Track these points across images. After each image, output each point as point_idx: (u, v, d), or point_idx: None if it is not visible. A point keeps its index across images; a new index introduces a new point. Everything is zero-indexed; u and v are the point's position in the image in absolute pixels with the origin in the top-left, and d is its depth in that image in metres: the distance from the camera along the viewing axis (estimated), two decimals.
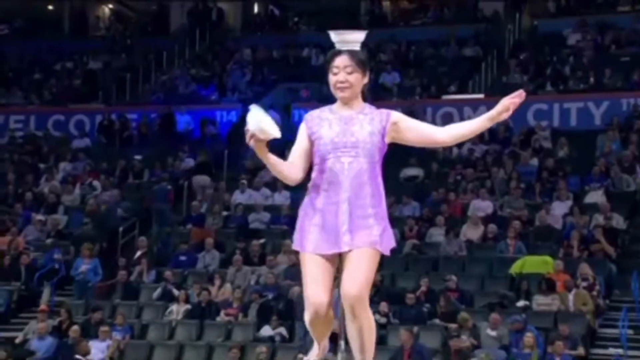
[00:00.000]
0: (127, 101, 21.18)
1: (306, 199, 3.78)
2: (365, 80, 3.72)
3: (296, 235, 3.77)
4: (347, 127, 3.67)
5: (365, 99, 3.76)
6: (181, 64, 22.48)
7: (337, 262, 3.72)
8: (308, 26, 24.14)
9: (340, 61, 3.68)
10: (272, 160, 3.71)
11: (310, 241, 3.70)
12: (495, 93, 18.85)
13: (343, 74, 3.67)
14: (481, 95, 18.92)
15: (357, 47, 3.71)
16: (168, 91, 21.23)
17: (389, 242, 3.73)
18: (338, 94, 3.71)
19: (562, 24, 20.98)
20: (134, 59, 22.83)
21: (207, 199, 16.44)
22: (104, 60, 23.01)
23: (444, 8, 23.73)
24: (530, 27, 22.32)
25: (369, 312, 3.70)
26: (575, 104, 17.83)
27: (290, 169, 3.77)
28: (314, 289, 3.66)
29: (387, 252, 3.73)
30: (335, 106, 3.75)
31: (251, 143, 3.60)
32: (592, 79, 18.62)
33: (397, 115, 3.74)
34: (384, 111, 3.73)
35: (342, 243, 3.65)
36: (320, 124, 3.70)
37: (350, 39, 3.71)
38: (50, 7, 26.53)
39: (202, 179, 17.24)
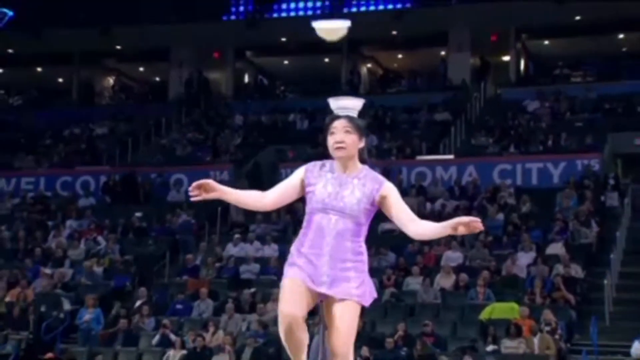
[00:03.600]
0: (129, 163, 21.23)
1: (294, 244, 3.73)
2: (362, 144, 3.68)
3: (284, 273, 3.71)
4: (340, 190, 3.63)
5: (363, 161, 3.71)
6: (178, 128, 22.61)
7: (316, 300, 3.65)
8: (293, 94, 24.42)
9: (338, 123, 3.66)
10: (233, 197, 3.72)
11: (294, 272, 3.65)
12: (464, 154, 19.14)
13: (340, 134, 3.64)
14: (451, 156, 19.09)
15: (354, 114, 3.70)
16: (167, 153, 21.31)
17: (370, 295, 3.68)
18: (335, 154, 3.66)
19: (522, 93, 21.34)
20: (135, 124, 22.96)
21: (202, 252, 16.41)
22: (108, 126, 23.12)
23: (417, 78, 24.12)
24: (494, 95, 22.67)
25: None
26: (535, 164, 18.01)
27: (256, 199, 3.74)
28: (287, 304, 3.56)
29: (367, 304, 3.68)
30: (334, 165, 3.70)
31: (198, 198, 3.64)
32: (550, 142, 18.85)
33: (388, 190, 3.66)
34: (378, 180, 3.68)
35: (321, 285, 3.59)
36: (318, 180, 3.67)
37: (349, 105, 3.70)
38: (60, 80, 26.72)
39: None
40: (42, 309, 14.86)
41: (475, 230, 3.58)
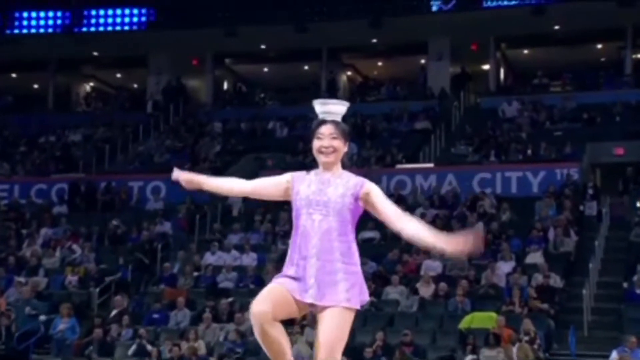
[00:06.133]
0: (106, 170, 21.09)
1: (286, 258, 3.76)
2: (346, 148, 3.76)
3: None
4: (323, 187, 3.69)
5: (344, 167, 3.78)
6: (156, 135, 22.51)
7: (303, 310, 3.66)
8: (273, 101, 24.41)
9: (325, 129, 3.72)
10: (213, 185, 3.86)
11: (280, 281, 3.67)
12: (444, 163, 19.21)
13: (327, 139, 3.70)
14: (431, 165, 19.16)
15: (339, 119, 3.78)
16: (144, 161, 21.19)
17: (360, 296, 3.65)
18: (322, 158, 3.72)
19: (501, 102, 21.47)
20: (112, 131, 22.82)
21: (180, 260, 16.33)
22: (84, 133, 22.96)
23: (397, 86, 24.20)
24: (474, 104, 22.80)
25: None
26: (515, 173, 18.11)
27: (238, 185, 3.86)
28: (257, 303, 3.55)
29: (357, 306, 3.65)
30: (318, 170, 3.78)
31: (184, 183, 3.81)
32: (529, 151, 18.96)
33: (370, 187, 3.70)
34: (360, 179, 3.75)
35: (307, 295, 3.59)
36: (302, 182, 3.74)
37: (333, 111, 3.78)
38: (35, 86, 26.50)
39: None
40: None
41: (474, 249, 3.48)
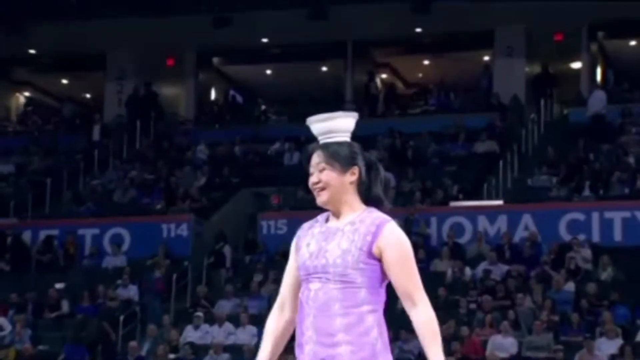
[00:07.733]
0: (47, 214, 21.22)
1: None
2: (349, 177, 3.68)
3: None
4: (325, 244, 3.65)
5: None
6: (117, 165, 22.67)
7: None
8: (279, 116, 24.54)
9: (314, 159, 3.72)
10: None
11: None
12: (517, 199, 19.17)
13: (315, 173, 3.70)
14: (499, 202, 19.15)
15: (342, 137, 3.72)
16: (100, 200, 21.33)
17: None
18: (316, 199, 3.72)
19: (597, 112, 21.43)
20: (56, 160, 23.00)
21: (150, 338, 16.37)
22: (16, 162, 23.14)
23: (450, 93, 24.26)
24: (560, 116, 22.80)
25: None
26: (619, 213, 18.04)
27: (278, 323, 3.81)
28: None
29: None
30: (329, 215, 3.75)
31: None
32: (639, 182, 18.92)
33: (388, 239, 3.61)
34: (376, 221, 3.64)
35: None
36: (305, 240, 3.73)
37: (334, 128, 3.72)
38: None
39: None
40: None
41: None
